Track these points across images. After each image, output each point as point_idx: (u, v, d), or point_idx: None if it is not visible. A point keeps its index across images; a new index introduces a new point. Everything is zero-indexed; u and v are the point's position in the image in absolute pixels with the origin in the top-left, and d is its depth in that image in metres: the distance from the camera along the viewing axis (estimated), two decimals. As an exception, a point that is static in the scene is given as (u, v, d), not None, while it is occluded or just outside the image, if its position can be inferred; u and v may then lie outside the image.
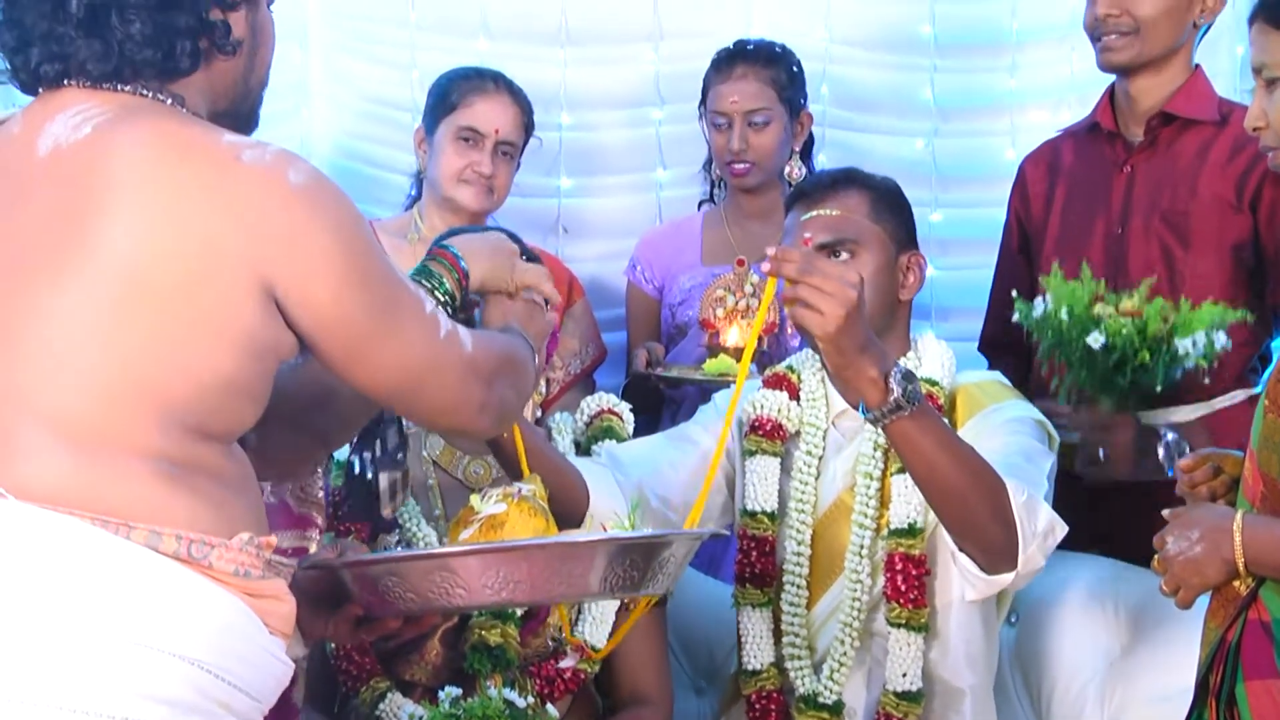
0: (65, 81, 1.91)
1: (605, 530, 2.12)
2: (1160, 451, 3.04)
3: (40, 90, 1.94)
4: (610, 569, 2.01)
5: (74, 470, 1.79)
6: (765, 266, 2.35)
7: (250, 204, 1.83)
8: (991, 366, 3.33)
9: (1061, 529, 2.61)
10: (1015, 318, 3.07)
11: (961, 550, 2.59)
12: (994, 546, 2.55)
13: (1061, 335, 2.99)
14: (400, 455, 2.32)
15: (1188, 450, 3.01)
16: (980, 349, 3.45)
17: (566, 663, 2.62)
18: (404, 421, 2.28)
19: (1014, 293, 3.12)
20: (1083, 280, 3.00)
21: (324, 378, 2.04)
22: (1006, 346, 3.34)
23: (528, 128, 3.66)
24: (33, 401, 1.80)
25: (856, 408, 2.46)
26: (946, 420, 2.74)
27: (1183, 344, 2.94)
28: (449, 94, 3.64)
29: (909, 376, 2.42)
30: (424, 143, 3.68)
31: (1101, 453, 3.05)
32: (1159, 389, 2.97)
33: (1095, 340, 2.93)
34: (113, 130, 1.86)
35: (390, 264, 1.94)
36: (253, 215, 1.83)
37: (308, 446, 2.22)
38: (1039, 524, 2.56)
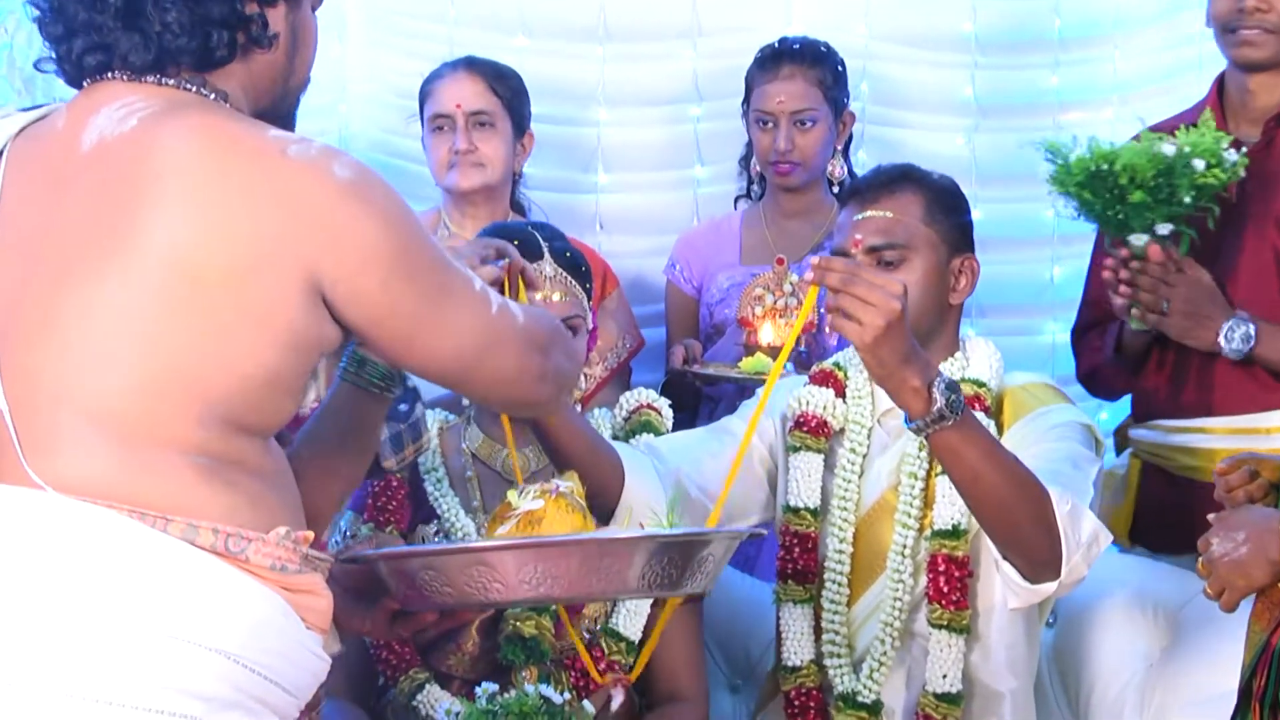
0: (108, 74, 1.91)
1: (643, 527, 2.11)
2: (1223, 331, 3.00)
3: (85, 82, 1.94)
4: (649, 566, 2.00)
5: (113, 463, 1.79)
6: (808, 275, 2.34)
7: (296, 198, 1.83)
8: (1078, 348, 3.32)
9: (1106, 538, 2.59)
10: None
11: (1005, 559, 2.56)
12: (1038, 556, 2.53)
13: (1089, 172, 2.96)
14: (405, 408, 2.30)
15: (1253, 337, 2.99)
16: (1072, 336, 3.42)
17: (617, 698, 2.59)
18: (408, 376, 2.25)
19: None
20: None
21: (346, 419, 2.07)
22: (1097, 324, 3.30)
23: (500, 93, 3.64)
24: (74, 394, 1.80)
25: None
26: (993, 422, 2.73)
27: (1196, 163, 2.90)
28: (421, 93, 3.70)
29: (952, 387, 2.40)
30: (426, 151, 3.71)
31: (1166, 305, 3.00)
32: (1188, 200, 2.93)
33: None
34: (158, 124, 1.86)
35: (438, 249, 1.94)
36: (299, 209, 1.82)
37: (338, 490, 2.20)
38: (1083, 534, 2.54)
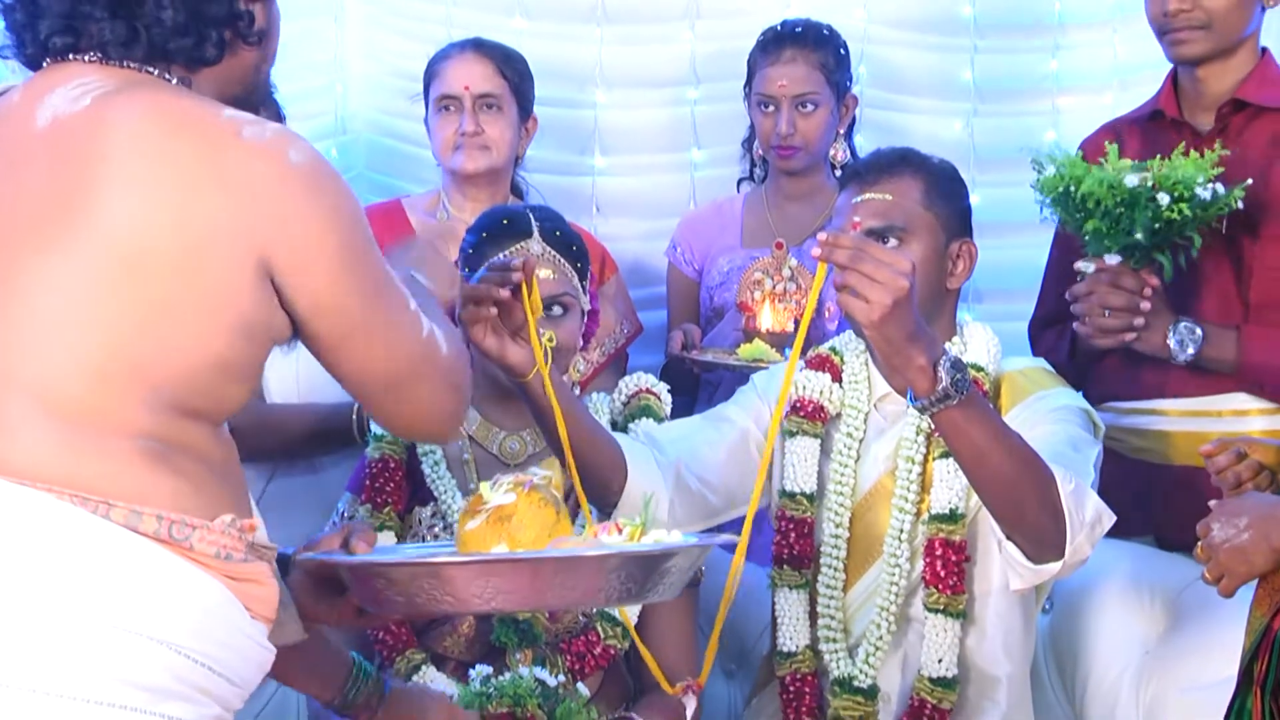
0: (70, 56, 1.90)
1: (620, 530, 2.08)
2: (1170, 333, 3.01)
3: (45, 63, 1.92)
4: (606, 581, 1.96)
5: (57, 446, 1.77)
6: (816, 251, 2.33)
7: (249, 181, 1.81)
8: (1035, 343, 3.32)
9: (1109, 519, 2.58)
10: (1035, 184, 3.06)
11: (1009, 539, 2.55)
12: (1042, 536, 2.52)
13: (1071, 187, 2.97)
14: None
15: (1200, 339, 2.99)
16: (1030, 329, 3.41)
17: (690, 705, 2.57)
18: None
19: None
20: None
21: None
22: (1055, 321, 3.30)
23: (508, 76, 3.63)
24: (18, 375, 1.78)
25: (904, 395, 2.43)
26: (991, 407, 2.73)
27: (1201, 191, 2.91)
28: (427, 73, 3.67)
29: (958, 365, 2.39)
30: (429, 132, 3.70)
31: (1107, 312, 3.01)
32: (1140, 236, 2.94)
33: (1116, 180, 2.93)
34: (110, 102, 1.84)
35: (382, 258, 1.92)
36: (251, 192, 1.81)
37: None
38: (1087, 514, 2.53)
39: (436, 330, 1.97)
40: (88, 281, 1.78)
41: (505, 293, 2.36)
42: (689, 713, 2.42)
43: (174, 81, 1.91)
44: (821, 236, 2.33)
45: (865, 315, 2.31)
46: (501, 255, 2.71)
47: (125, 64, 1.89)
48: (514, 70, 3.64)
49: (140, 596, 1.75)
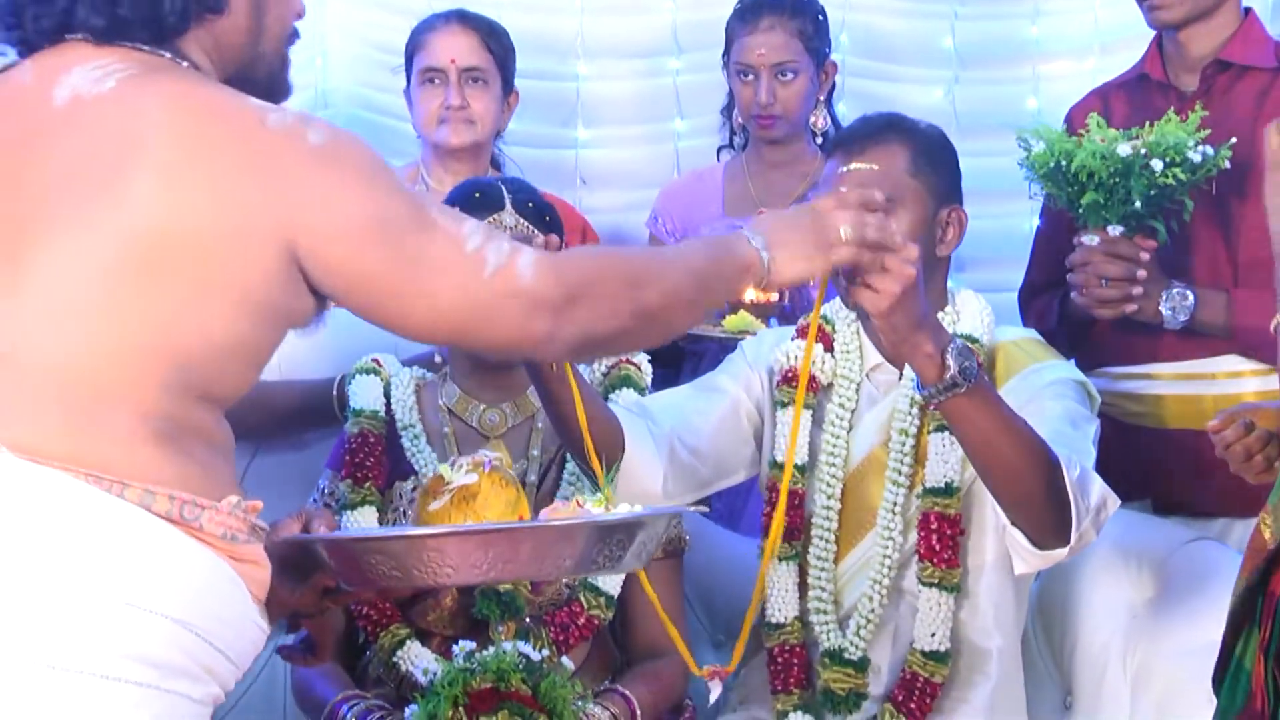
0: (66, 36, 1.91)
1: (580, 506, 2.10)
2: (1163, 299, 3.01)
3: (43, 46, 1.93)
4: (585, 550, 1.98)
5: (71, 425, 1.78)
6: None
7: (274, 167, 1.82)
8: (1025, 311, 3.32)
9: (1114, 503, 2.58)
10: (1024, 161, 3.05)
11: (1014, 525, 2.54)
12: (1047, 522, 2.51)
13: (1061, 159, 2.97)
14: None
15: (1193, 304, 2.99)
16: (1020, 297, 3.41)
17: (715, 691, 2.56)
18: None
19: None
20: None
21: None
22: (1045, 289, 3.30)
23: (494, 50, 3.61)
24: (34, 353, 1.79)
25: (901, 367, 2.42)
26: (986, 378, 2.72)
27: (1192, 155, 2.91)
28: (410, 45, 3.65)
29: (965, 353, 2.38)
30: (410, 103, 3.68)
31: (1105, 283, 3.00)
32: (1138, 204, 2.94)
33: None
34: (139, 87, 1.85)
35: (420, 208, 1.89)
36: (280, 178, 1.82)
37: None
38: (1092, 499, 2.52)
39: (519, 261, 1.89)
40: (112, 263, 1.79)
41: None
42: (712, 697, 2.41)
43: (185, 65, 1.92)
44: None
45: (874, 305, 2.30)
46: None
47: (137, 47, 1.90)
48: (499, 43, 3.62)
49: (153, 574, 1.77)
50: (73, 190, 1.81)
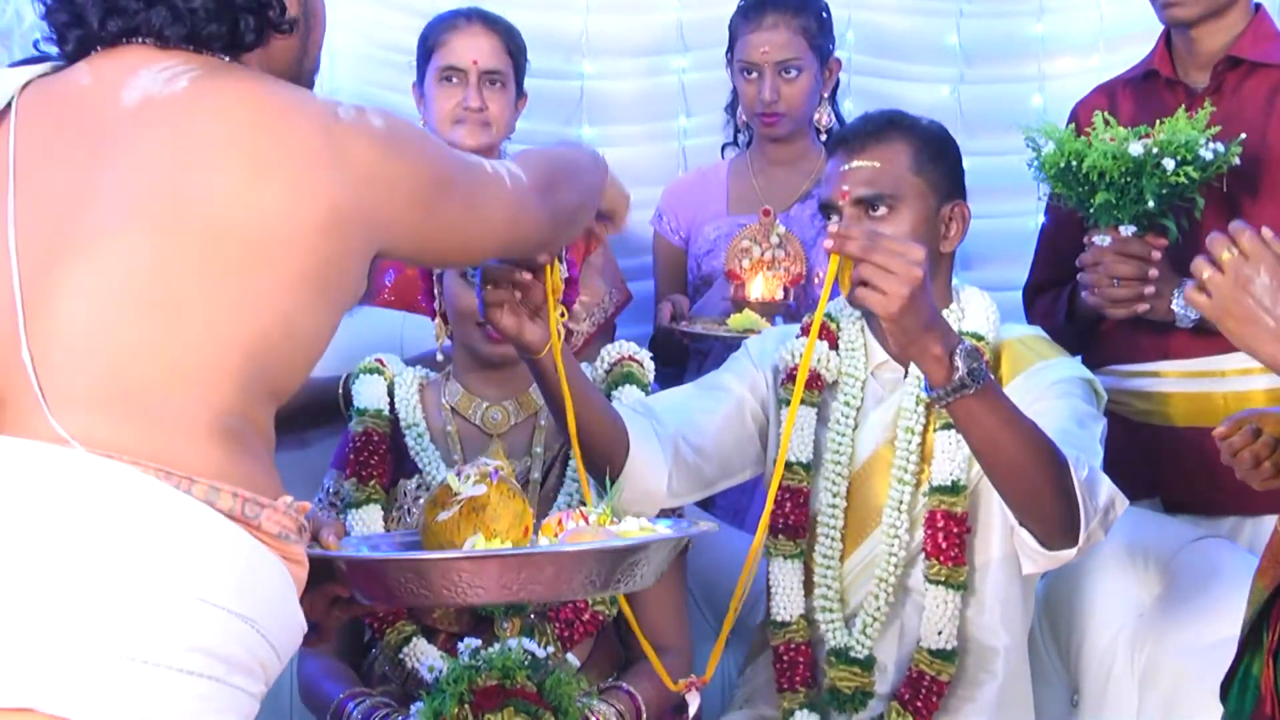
0: (125, 41, 1.94)
1: (585, 518, 2.11)
2: (1175, 297, 3.00)
3: (97, 49, 1.95)
4: (610, 571, 2.03)
5: (141, 421, 1.80)
6: (827, 244, 2.32)
7: (353, 155, 1.90)
8: (1030, 309, 3.32)
9: (1122, 503, 2.57)
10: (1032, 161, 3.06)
11: (1022, 525, 2.53)
12: (1055, 523, 2.49)
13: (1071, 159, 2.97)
14: None
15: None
16: (1025, 294, 3.41)
17: (693, 703, 2.57)
18: None
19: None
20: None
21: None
22: (1050, 286, 3.30)
23: (513, 53, 3.61)
24: (112, 350, 1.81)
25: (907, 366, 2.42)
26: (991, 375, 2.72)
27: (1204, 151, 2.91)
28: (427, 41, 3.63)
29: (974, 354, 2.37)
30: (421, 98, 3.67)
31: (1116, 282, 3.00)
32: (1151, 203, 2.94)
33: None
34: (210, 87, 1.90)
35: (457, 156, 2.06)
36: (358, 166, 1.90)
37: None
38: (1100, 500, 2.51)
39: (510, 165, 2.12)
40: (194, 259, 1.82)
41: (527, 276, 2.37)
42: (691, 710, 2.42)
43: (246, 68, 1.97)
44: (832, 228, 2.34)
45: (883, 307, 2.30)
46: None
47: (199, 50, 1.94)
48: (516, 46, 3.62)
49: (219, 570, 1.79)
50: (150, 188, 1.84)
